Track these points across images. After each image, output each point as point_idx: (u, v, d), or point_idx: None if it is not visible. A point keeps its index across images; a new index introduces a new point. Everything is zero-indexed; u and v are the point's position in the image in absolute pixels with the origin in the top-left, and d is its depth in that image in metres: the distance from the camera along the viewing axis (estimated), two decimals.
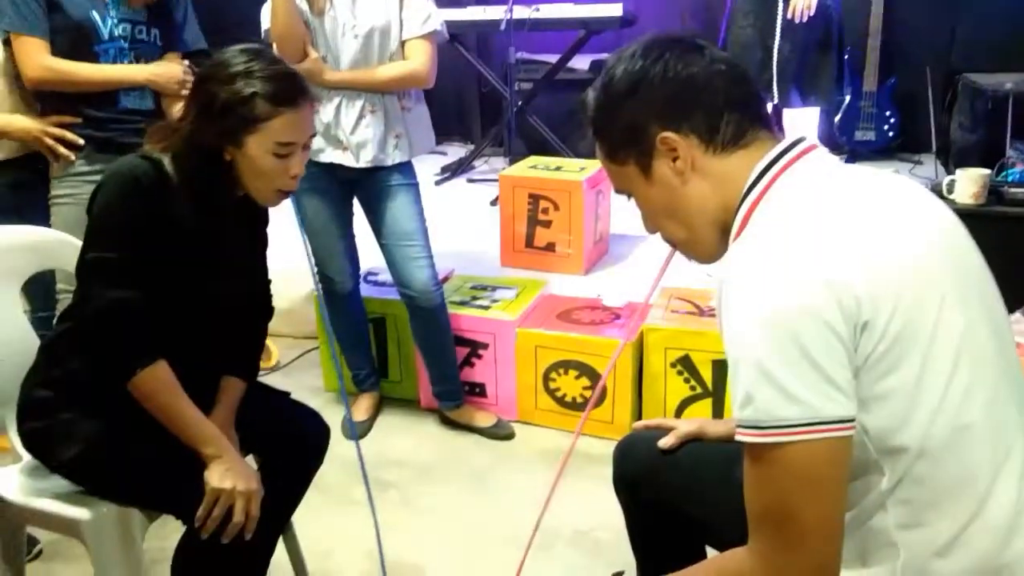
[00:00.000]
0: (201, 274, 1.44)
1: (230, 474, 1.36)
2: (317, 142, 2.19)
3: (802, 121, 3.78)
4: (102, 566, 1.39)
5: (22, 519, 1.53)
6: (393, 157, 2.23)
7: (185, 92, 2.01)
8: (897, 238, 0.89)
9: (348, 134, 2.17)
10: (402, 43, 2.18)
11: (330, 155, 2.20)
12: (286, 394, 1.66)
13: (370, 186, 2.27)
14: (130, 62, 2.09)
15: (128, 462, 1.39)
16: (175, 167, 1.38)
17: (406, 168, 2.29)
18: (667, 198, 1.01)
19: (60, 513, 1.40)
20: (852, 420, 0.83)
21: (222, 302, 1.50)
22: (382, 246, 2.35)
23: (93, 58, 2.04)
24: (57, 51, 2.00)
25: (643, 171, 1.01)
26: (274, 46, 2.11)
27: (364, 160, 2.20)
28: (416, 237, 2.29)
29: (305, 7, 2.09)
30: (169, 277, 1.39)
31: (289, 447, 1.56)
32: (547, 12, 4.14)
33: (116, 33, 2.06)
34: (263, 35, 2.12)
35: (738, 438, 0.86)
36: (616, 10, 4.05)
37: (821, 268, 0.84)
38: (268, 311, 1.66)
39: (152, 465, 1.38)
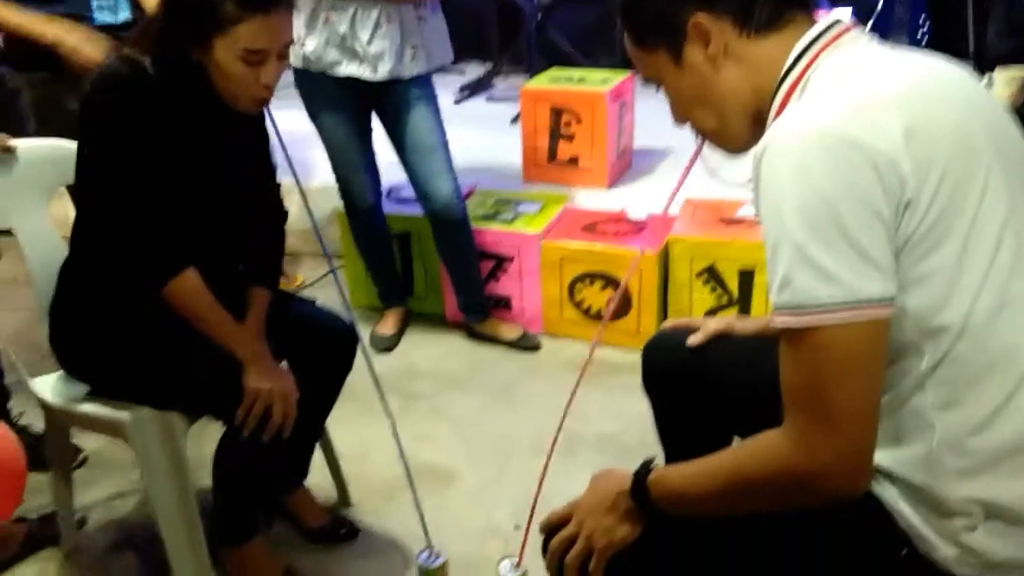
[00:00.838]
0: (202, 175, 1.43)
1: (266, 375, 1.39)
2: (333, 55, 2.15)
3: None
4: (148, 465, 1.44)
5: (68, 423, 1.58)
6: (411, 69, 2.19)
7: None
8: (941, 111, 0.87)
9: (365, 45, 2.13)
10: None
11: (347, 68, 2.17)
12: (312, 301, 1.67)
13: (389, 100, 2.24)
14: None
15: (166, 367, 1.42)
16: (153, 66, 1.36)
17: (424, 81, 2.25)
18: (698, 85, 0.98)
19: (104, 415, 1.45)
20: (892, 299, 0.83)
21: (227, 205, 1.49)
22: (403, 161, 2.33)
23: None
24: None
25: (673, 57, 0.99)
26: None
27: (382, 72, 2.16)
28: (437, 150, 2.27)
29: None
30: (173, 178, 1.38)
31: (319, 350, 1.59)
32: None
33: None
34: None
35: (776, 322, 0.86)
36: None
37: (864, 146, 0.81)
38: (280, 214, 1.65)
39: (190, 367, 1.41)
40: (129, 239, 1.36)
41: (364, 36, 2.13)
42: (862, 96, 0.86)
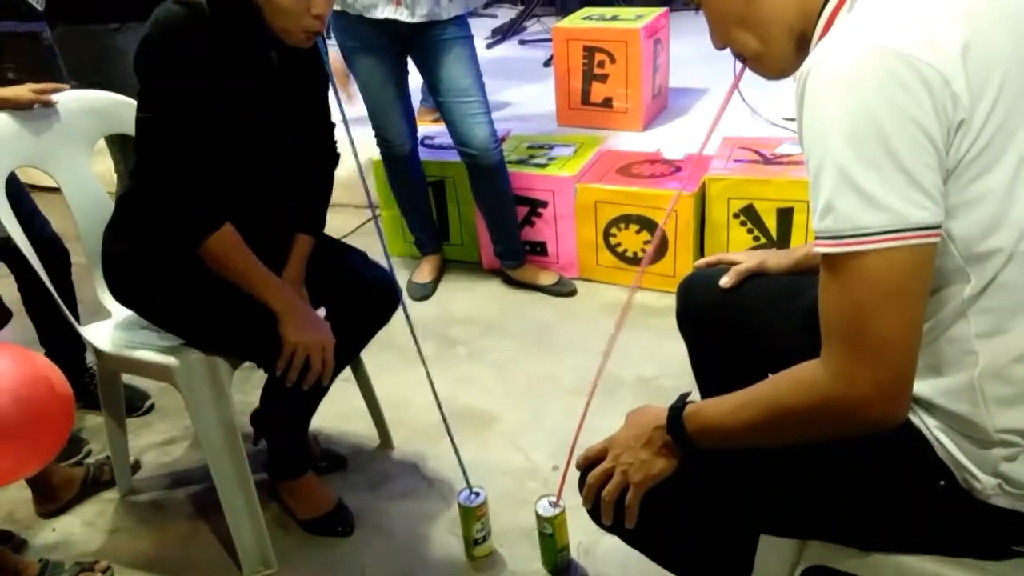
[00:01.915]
0: (257, 118, 1.43)
1: (304, 327, 1.42)
2: None
3: None
4: (196, 408, 1.49)
5: (118, 368, 1.64)
6: (448, 10, 2.16)
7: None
8: (997, 27, 0.83)
9: None
10: None
11: (383, 10, 2.15)
12: (362, 253, 1.67)
13: (424, 42, 2.22)
14: None
15: (211, 313, 1.45)
16: (208, 4, 1.34)
17: (461, 22, 2.22)
18: (740, 4, 0.94)
19: (153, 360, 1.50)
20: (938, 227, 0.80)
21: (283, 147, 1.50)
22: (439, 103, 2.32)
23: None
24: None
25: None
26: None
27: (420, 14, 2.14)
28: (474, 92, 2.25)
29: None
30: (226, 125, 1.39)
31: (360, 302, 1.60)
32: None
33: None
34: None
35: (816, 250, 0.84)
36: None
37: (916, 62, 0.78)
38: (333, 157, 1.65)
39: (233, 317, 1.44)
40: (170, 193, 1.38)
41: None
42: (916, 9, 0.82)
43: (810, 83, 0.82)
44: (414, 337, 1.64)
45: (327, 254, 1.61)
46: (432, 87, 2.31)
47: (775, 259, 1.31)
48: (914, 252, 0.80)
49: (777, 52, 0.96)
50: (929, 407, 0.91)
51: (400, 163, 2.46)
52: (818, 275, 0.86)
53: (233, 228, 1.41)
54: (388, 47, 2.24)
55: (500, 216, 2.48)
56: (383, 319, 1.63)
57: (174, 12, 1.33)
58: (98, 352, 1.57)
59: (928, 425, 0.92)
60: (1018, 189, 0.81)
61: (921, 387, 0.89)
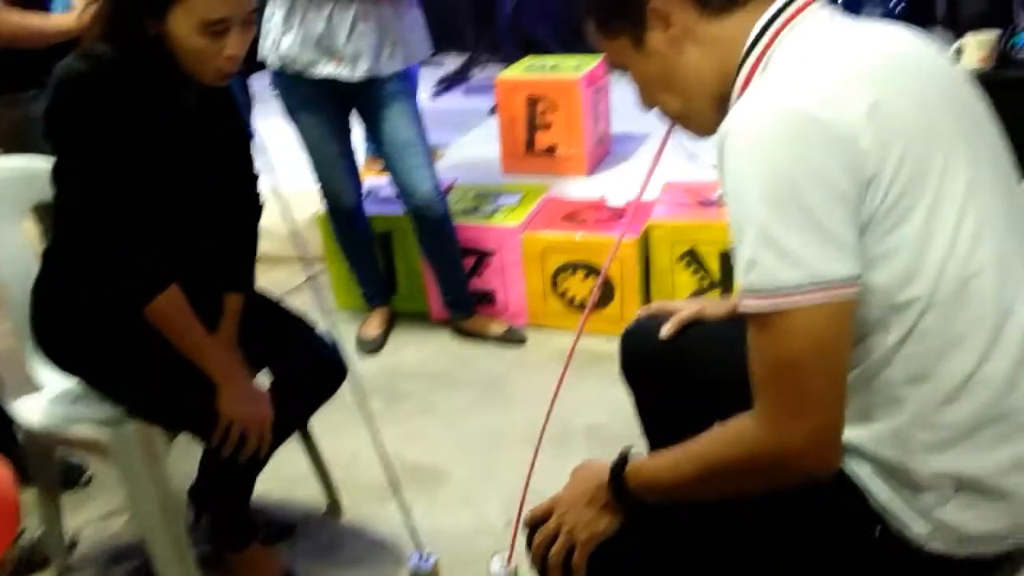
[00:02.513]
0: (178, 163, 1.38)
1: (241, 400, 1.38)
2: (309, 55, 2.13)
3: None
4: (131, 483, 1.44)
5: (50, 444, 1.58)
6: (389, 66, 2.17)
7: None
8: (903, 86, 0.86)
9: (342, 44, 2.11)
10: None
11: (324, 69, 2.15)
12: (309, 323, 1.63)
13: (367, 97, 2.23)
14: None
15: (146, 376, 1.41)
16: (112, 51, 1.28)
17: (403, 76, 2.24)
18: (662, 69, 0.98)
19: (84, 436, 1.45)
20: (857, 279, 0.82)
21: (205, 196, 1.44)
22: (383, 157, 2.32)
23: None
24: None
25: (636, 43, 0.98)
26: None
27: (360, 72, 2.14)
28: (417, 145, 2.26)
29: None
30: (148, 173, 1.33)
31: (303, 375, 1.55)
32: None
33: None
34: None
35: (742, 306, 0.86)
36: None
37: (824, 122, 0.81)
38: (257, 208, 1.58)
39: (168, 382, 1.40)
40: (110, 253, 1.33)
41: (341, 35, 2.11)
42: (824, 72, 0.85)
43: (727, 144, 0.84)
44: (362, 400, 1.62)
45: (273, 320, 1.58)
46: (376, 140, 2.31)
47: (713, 307, 1.32)
48: (834, 306, 0.81)
49: (700, 112, 0.99)
50: (861, 454, 0.92)
51: (346, 217, 2.45)
52: None
53: (179, 290, 1.37)
54: (330, 104, 2.25)
55: (448, 267, 2.47)
56: (328, 394, 1.58)
57: (75, 67, 1.28)
58: (27, 429, 1.51)
59: (861, 472, 0.93)
60: (930, 240, 0.84)
61: (852, 434, 0.91)
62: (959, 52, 2.32)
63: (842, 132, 0.81)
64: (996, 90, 2.24)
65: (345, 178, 2.37)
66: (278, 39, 2.14)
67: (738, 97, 0.93)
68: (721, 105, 0.97)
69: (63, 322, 1.44)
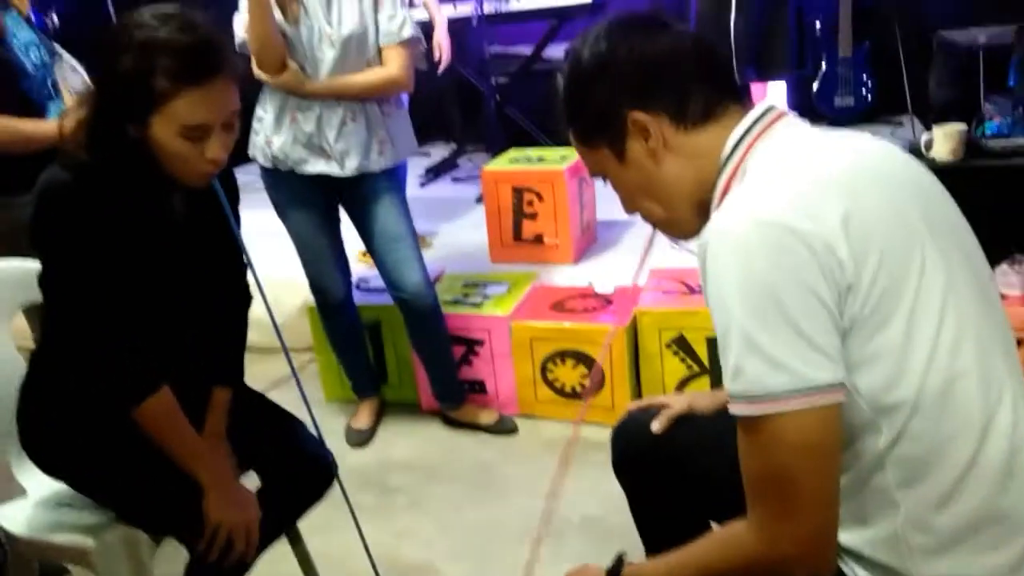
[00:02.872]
0: (168, 266, 1.38)
1: (229, 504, 1.36)
2: (300, 153, 2.18)
3: (770, 92, 3.80)
4: None
5: (32, 552, 1.54)
6: (378, 163, 2.22)
7: None
8: (874, 194, 0.90)
9: (332, 143, 2.17)
10: (379, 49, 2.18)
11: (315, 166, 2.20)
12: (299, 423, 1.61)
13: (356, 193, 2.27)
14: (49, 92, 2.05)
15: (132, 480, 1.39)
16: (95, 159, 1.27)
17: (391, 173, 2.29)
18: (642, 178, 1.01)
19: (68, 544, 1.41)
20: (841, 385, 0.84)
21: (196, 292, 1.44)
22: (371, 251, 2.35)
23: (24, 96, 1.99)
24: None
25: (616, 154, 1.02)
26: (252, 60, 2.11)
27: (349, 168, 2.19)
28: (406, 239, 2.30)
29: (280, 17, 2.08)
30: (138, 277, 1.33)
31: (292, 477, 1.53)
32: (517, 4, 4.14)
33: (36, 63, 2.02)
34: (237, 46, 2.12)
35: (731, 411, 0.87)
36: None
37: (801, 232, 0.84)
38: (245, 298, 1.57)
39: (155, 486, 1.38)
40: (100, 356, 1.32)
41: (331, 134, 2.16)
42: (798, 184, 0.89)
43: (709, 253, 0.87)
44: (349, 506, 1.59)
45: (261, 418, 1.56)
46: (364, 235, 2.35)
47: (702, 402, 1.33)
48: (821, 410, 0.83)
49: (681, 218, 1.02)
50: (858, 558, 0.92)
51: (335, 309, 2.46)
52: None
53: (170, 392, 1.35)
54: (320, 199, 2.29)
55: (437, 358, 2.48)
56: (317, 497, 1.56)
57: (58, 177, 1.27)
58: (10, 536, 1.48)
59: (858, 575, 0.92)
60: (911, 344, 0.86)
61: (848, 538, 0.90)
62: (929, 144, 2.40)
63: (819, 242, 0.83)
64: (967, 180, 2.34)
65: (334, 271, 2.39)
66: (270, 138, 2.19)
67: (718, 205, 0.96)
68: (701, 210, 1.00)
69: (49, 425, 1.42)
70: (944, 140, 2.34)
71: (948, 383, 0.86)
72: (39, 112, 2.02)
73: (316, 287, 2.41)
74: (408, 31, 2.18)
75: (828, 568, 0.87)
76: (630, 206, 1.07)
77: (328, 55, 2.12)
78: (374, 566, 1.59)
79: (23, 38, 2.03)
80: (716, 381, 2.35)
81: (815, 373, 0.82)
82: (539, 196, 2.97)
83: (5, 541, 1.51)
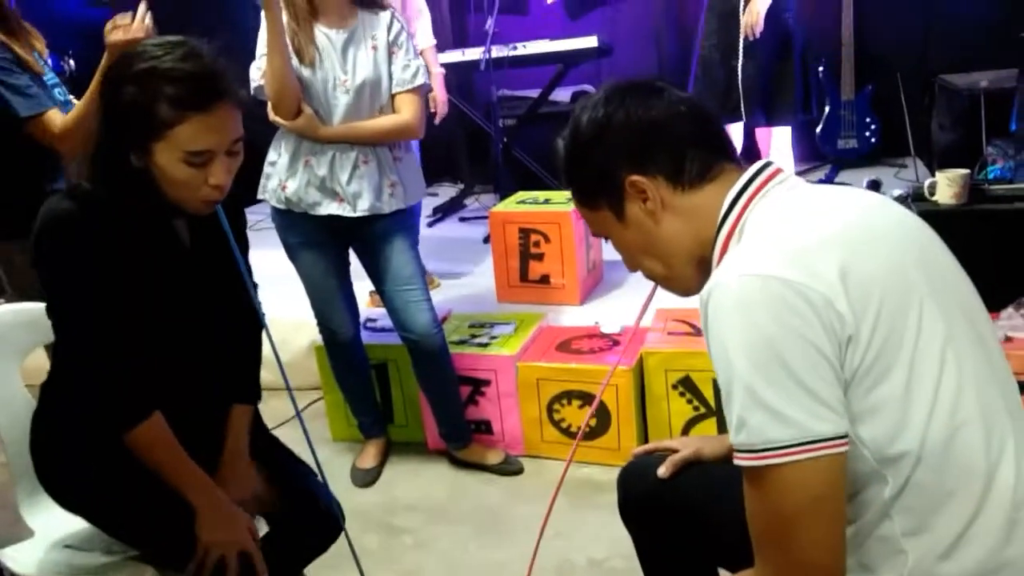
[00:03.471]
0: (174, 292, 1.39)
1: (219, 525, 1.35)
2: (313, 196, 2.21)
3: (776, 137, 3.84)
4: None
5: None
6: (389, 205, 2.26)
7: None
8: (871, 249, 0.91)
9: (344, 185, 2.21)
10: (391, 96, 2.23)
11: (327, 207, 2.23)
12: (310, 470, 1.61)
13: (367, 234, 2.30)
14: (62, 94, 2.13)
15: (135, 513, 1.39)
16: (99, 187, 1.29)
17: (401, 215, 2.32)
18: (642, 238, 1.05)
19: None
20: (844, 437, 0.85)
21: (204, 316, 1.44)
22: (381, 292, 2.37)
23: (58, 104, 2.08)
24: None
25: (616, 214, 1.05)
26: (268, 105, 2.16)
27: (361, 209, 2.22)
28: (415, 281, 2.32)
29: (296, 63, 2.13)
30: (142, 304, 1.34)
31: (300, 527, 1.53)
32: (524, 50, 4.22)
33: (60, 101, 2.10)
34: (253, 91, 2.17)
35: (736, 463, 0.88)
36: (591, 42, 4.13)
37: (800, 288, 0.85)
38: (256, 318, 1.57)
39: (155, 518, 1.38)
40: (95, 382, 1.33)
41: (343, 177, 2.20)
42: (795, 241, 0.91)
43: (710, 309, 0.89)
44: (353, 553, 1.58)
45: (271, 465, 1.56)
46: (374, 276, 2.37)
47: (710, 447, 1.34)
48: (824, 462, 0.84)
49: (681, 275, 1.05)
50: None
51: (343, 349, 2.47)
52: None
53: (162, 418, 1.36)
54: (331, 240, 2.32)
55: (444, 398, 2.48)
56: (322, 549, 1.56)
57: (63, 208, 1.29)
58: None
59: None
60: (912, 396, 0.87)
61: None
62: (932, 189, 2.42)
63: (818, 297, 0.85)
64: (971, 224, 2.36)
65: (343, 311, 2.41)
66: (284, 181, 2.23)
67: (718, 261, 0.99)
68: (702, 267, 1.03)
69: (58, 453, 1.43)
70: (947, 185, 2.36)
71: (951, 433, 0.87)
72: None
73: (324, 327, 2.43)
74: (421, 79, 2.24)
75: None
76: (632, 264, 1.11)
77: (342, 101, 2.17)
78: None
79: (49, 79, 2.11)
80: (723, 422, 2.34)
81: (819, 425, 0.83)
82: (546, 237, 3.00)
83: None
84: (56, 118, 2.03)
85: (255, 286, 1.58)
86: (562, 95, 4.76)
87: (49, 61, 2.18)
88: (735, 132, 3.82)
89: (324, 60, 2.15)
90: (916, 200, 2.42)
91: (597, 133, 1.03)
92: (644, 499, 1.34)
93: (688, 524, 1.28)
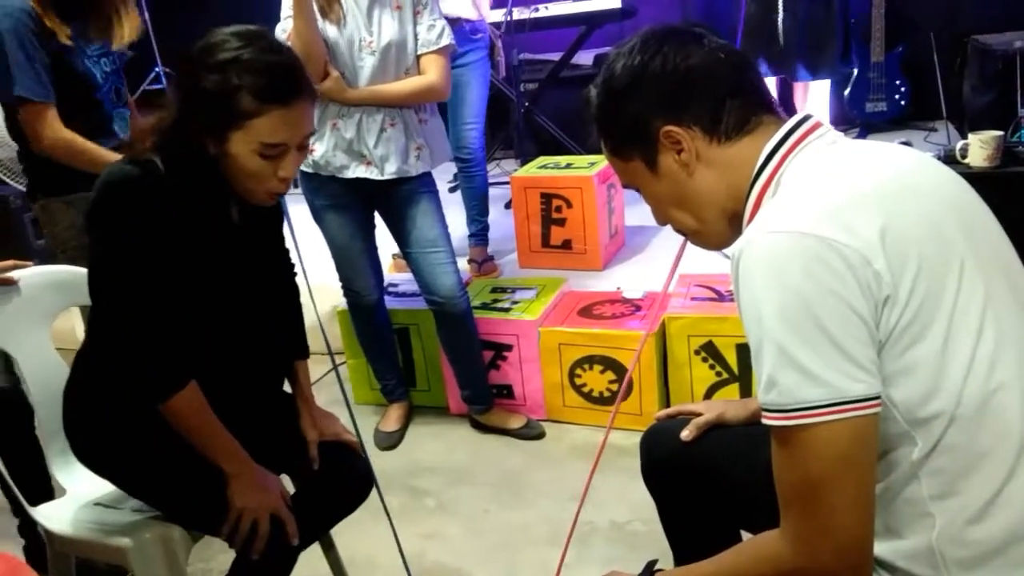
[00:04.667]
0: (219, 271, 1.40)
1: (251, 491, 1.37)
2: (341, 159, 2.21)
3: (813, 94, 3.78)
4: None
5: (71, 550, 1.57)
6: (416, 168, 2.25)
7: None
8: (911, 208, 0.89)
9: (371, 148, 2.20)
10: (417, 57, 2.21)
11: (355, 171, 2.23)
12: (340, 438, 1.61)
13: (392, 197, 2.30)
14: (113, 100, 2.10)
15: (167, 479, 1.42)
16: (164, 163, 1.30)
17: (427, 178, 2.32)
18: (675, 190, 1.02)
19: (105, 542, 1.44)
20: (876, 398, 0.83)
21: (246, 295, 1.46)
22: (406, 254, 2.37)
23: (97, 105, 2.04)
24: (64, 107, 1.95)
25: (649, 165, 1.02)
26: None
27: (388, 172, 2.22)
28: (440, 243, 2.32)
29: (321, 23, 2.10)
30: (186, 279, 1.35)
31: (331, 485, 1.54)
32: (547, 11, 4.15)
33: (106, 72, 2.07)
34: None
35: (765, 422, 0.87)
36: (615, 2, 4.06)
37: (837, 246, 0.83)
38: (294, 288, 1.62)
39: (187, 484, 1.41)
40: (131, 350, 1.35)
41: (370, 140, 2.20)
42: (833, 197, 0.89)
43: (743, 265, 0.87)
44: (382, 501, 1.60)
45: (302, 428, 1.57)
46: (400, 239, 2.37)
47: (733, 411, 1.33)
48: (856, 423, 0.82)
49: (713, 229, 1.03)
50: (892, 569, 0.91)
51: (367, 313, 2.49)
52: None
53: (197, 388, 1.38)
54: (357, 204, 2.32)
55: (467, 362, 2.49)
56: (354, 506, 1.57)
57: (126, 171, 1.30)
58: (50, 534, 1.51)
59: None
60: (949, 356, 0.85)
61: (882, 549, 0.90)
62: (964, 152, 2.37)
63: (855, 256, 0.83)
64: (1003, 186, 2.31)
65: (368, 275, 2.42)
66: (311, 145, 2.20)
67: (750, 217, 0.96)
68: (733, 221, 1.00)
69: (91, 423, 1.46)
70: (980, 147, 2.31)
71: (986, 396, 0.85)
72: (107, 119, 2.07)
73: (348, 289, 2.44)
74: (447, 39, 2.21)
75: None
76: (661, 217, 1.08)
77: (368, 63, 2.15)
78: (406, 567, 1.60)
79: (94, 48, 2.08)
80: (745, 387, 2.34)
81: (851, 386, 0.82)
82: (568, 202, 2.98)
83: (45, 539, 1.54)
84: (53, 120, 1.92)
85: (292, 266, 1.64)
86: (584, 58, 4.69)
87: (116, 59, 2.12)
88: (771, 87, 3.78)
89: (349, 21, 2.13)
90: (948, 163, 2.36)
91: (632, 81, 0.99)
92: (667, 462, 1.33)
93: (710, 487, 1.28)
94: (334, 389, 2.86)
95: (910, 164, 0.96)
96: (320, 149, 2.22)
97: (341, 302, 2.58)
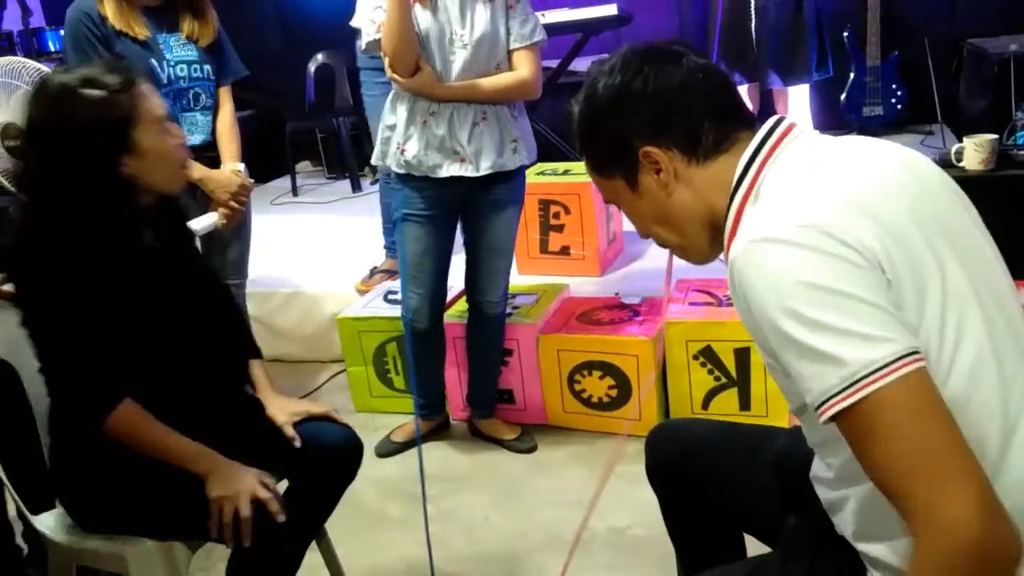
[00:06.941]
0: (152, 293, 1.43)
1: (224, 480, 1.38)
2: (434, 158, 2.13)
3: (794, 100, 3.82)
4: None
5: (72, 559, 1.58)
6: (513, 161, 2.18)
7: (233, 203, 2.11)
8: (894, 205, 0.90)
9: (465, 144, 2.13)
10: (508, 52, 2.15)
11: (448, 168, 2.14)
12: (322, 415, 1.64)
13: (483, 198, 2.22)
14: (187, 102, 2.13)
15: (150, 504, 1.42)
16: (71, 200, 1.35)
17: (520, 179, 2.27)
18: (655, 208, 1.04)
19: (105, 551, 1.45)
20: (916, 351, 0.82)
21: (185, 312, 1.48)
22: (470, 252, 2.35)
23: None
24: None
25: (629, 184, 1.04)
26: (384, 60, 2.08)
27: (484, 167, 2.14)
28: (507, 254, 2.33)
29: (416, 9, 2.04)
30: (118, 308, 1.38)
31: (320, 463, 1.55)
32: (543, 18, 4.16)
33: (173, 76, 2.11)
34: (365, 45, 2.12)
35: (827, 418, 0.83)
36: (611, 10, 4.07)
37: (832, 230, 0.85)
38: (228, 297, 1.67)
39: (169, 500, 1.41)
40: (63, 384, 1.38)
41: (463, 136, 2.12)
42: (816, 197, 0.90)
43: (741, 276, 0.88)
44: (423, 489, 1.60)
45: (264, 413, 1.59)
46: (471, 237, 2.33)
47: None
48: (916, 374, 0.81)
49: (694, 244, 1.05)
50: (892, 570, 0.91)
51: (425, 332, 2.37)
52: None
53: (133, 403, 1.38)
54: (443, 215, 2.24)
55: (487, 364, 2.48)
56: (351, 472, 1.58)
57: (35, 237, 1.36)
58: (51, 543, 1.52)
59: None
60: (934, 350, 0.85)
61: (882, 549, 0.90)
62: (960, 155, 2.38)
63: (850, 237, 0.85)
64: (999, 190, 2.31)
65: (432, 295, 2.32)
66: (402, 145, 2.16)
67: (732, 228, 0.97)
68: (715, 236, 1.02)
69: (81, 491, 1.47)
70: (975, 150, 2.32)
71: (967, 393, 0.86)
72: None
73: (409, 305, 2.34)
74: (539, 35, 2.15)
75: (1009, 526, 0.78)
76: (644, 232, 1.10)
77: (459, 56, 2.08)
78: (431, 562, 1.57)
79: (179, 55, 2.12)
80: (744, 393, 2.34)
81: (905, 337, 0.81)
82: (566, 208, 2.99)
83: (46, 547, 1.55)
84: None
85: (213, 272, 1.69)
86: (581, 65, 4.70)
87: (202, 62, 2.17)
88: (752, 95, 3.82)
89: (440, 13, 2.07)
90: (943, 166, 2.37)
91: (613, 102, 1.01)
92: (672, 462, 1.34)
93: (714, 485, 1.28)
94: (335, 396, 2.89)
95: (892, 161, 0.97)
96: (412, 149, 2.13)
97: (340, 310, 2.59)
